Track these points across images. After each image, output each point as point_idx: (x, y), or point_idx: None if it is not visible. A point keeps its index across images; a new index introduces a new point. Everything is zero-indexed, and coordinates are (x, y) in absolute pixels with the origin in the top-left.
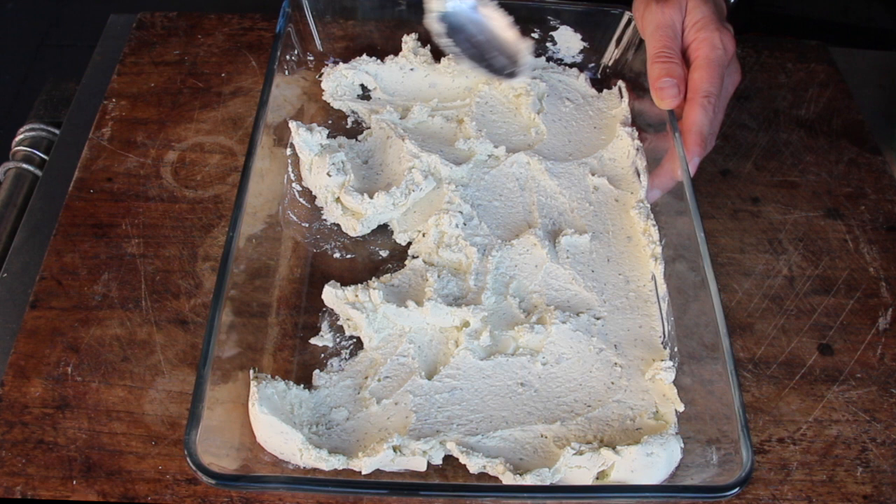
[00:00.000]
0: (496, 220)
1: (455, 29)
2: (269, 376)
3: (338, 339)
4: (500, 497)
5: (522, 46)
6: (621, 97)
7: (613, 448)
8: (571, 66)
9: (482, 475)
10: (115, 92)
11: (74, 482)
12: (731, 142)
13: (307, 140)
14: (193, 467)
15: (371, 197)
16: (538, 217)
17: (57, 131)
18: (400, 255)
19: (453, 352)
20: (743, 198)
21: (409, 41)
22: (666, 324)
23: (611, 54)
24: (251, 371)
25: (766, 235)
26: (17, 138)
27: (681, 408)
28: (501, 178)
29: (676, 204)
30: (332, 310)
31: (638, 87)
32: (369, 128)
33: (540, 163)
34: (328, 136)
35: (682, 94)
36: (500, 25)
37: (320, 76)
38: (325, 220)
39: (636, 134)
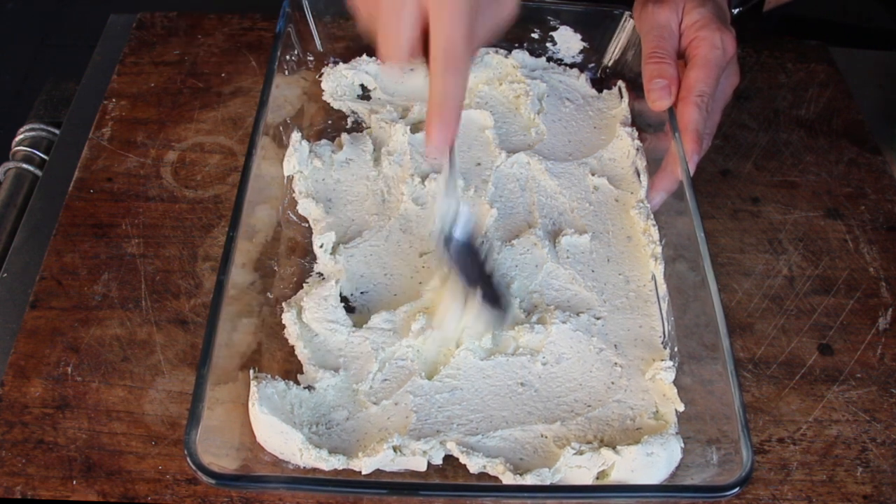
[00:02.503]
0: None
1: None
2: (269, 376)
3: None
4: (500, 497)
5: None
6: (621, 97)
7: (613, 448)
8: (571, 66)
9: (482, 475)
10: (115, 92)
11: (74, 482)
12: (731, 142)
13: (300, 157)
14: (193, 467)
15: None
16: (538, 217)
17: (57, 131)
18: None
19: (453, 352)
20: (743, 198)
21: None
22: (666, 324)
23: (611, 54)
24: (251, 371)
25: (766, 235)
26: (17, 138)
27: (681, 408)
28: (502, 178)
29: (676, 204)
30: None
31: (638, 88)
32: (369, 128)
33: (540, 163)
34: (327, 138)
35: (673, 95)
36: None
37: (320, 76)
38: None
39: (636, 134)
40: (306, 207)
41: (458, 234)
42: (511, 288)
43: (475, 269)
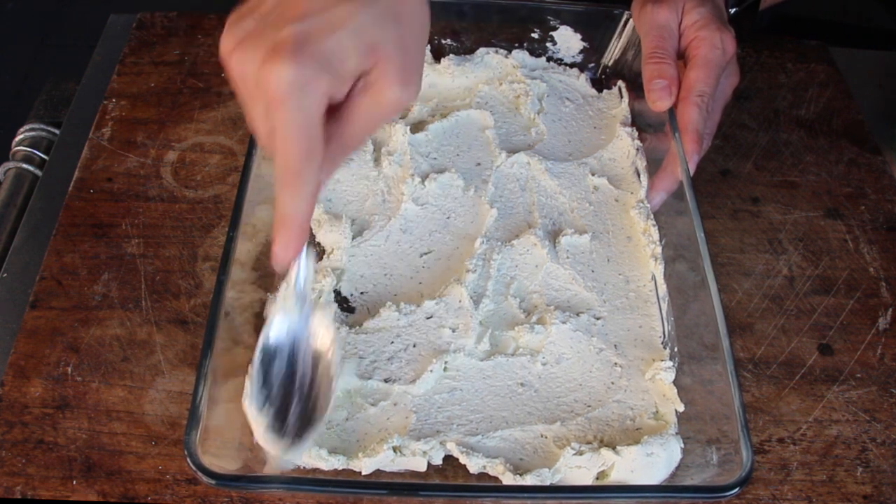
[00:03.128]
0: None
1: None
2: None
3: None
4: (500, 497)
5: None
6: (621, 97)
7: (613, 448)
8: (571, 66)
9: (482, 475)
10: (115, 92)
11: (74, 482)
12: (731, 142)
13: None
14: (193, 467)
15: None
16: (538, 217)
17: (57, 131)
18: None
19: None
20: (743, 198)
21: None
22: (666, 324)
23: (611, 54)
24: (250, 367)
25: (766, 235)
26: (17, 138)
27: (681, 408)
28: (502, 178)
29: (676, 204)
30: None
31: (638, 88)
32: None
33: (540, 163)
34: None
35: (674, 95)
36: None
37: None
38: None
39: (636, 134)
40: None
41: (272, 342)
42: (511, 288)
43: (282, 387)
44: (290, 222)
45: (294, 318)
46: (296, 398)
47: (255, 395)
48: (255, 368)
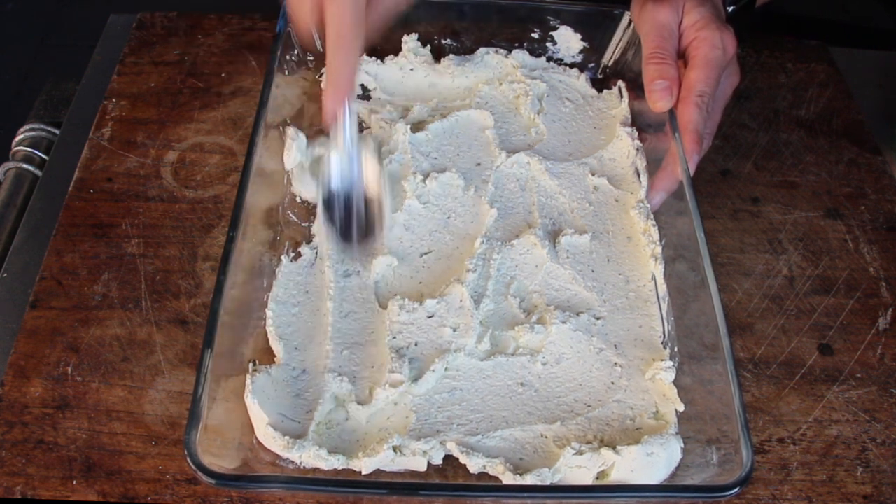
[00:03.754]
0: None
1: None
2: (266, 367)
3: None
4: (500, 497)
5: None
6: (621, 97)
7: (613, 448)
8: (571, 66)
9: (482, 475)
10: (115, 92)
11: (74, 482)
12: (731, 142)
13: (299, 146)
14: (193, 467)
15: None
16: (538, 217)
17: (57, 131)
18: None
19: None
20: (743, 198)
21: (409, 41)
22: (666, 324)
23: (611, 54)
24: (250, 365)
25: (766, 235)
26: (17, 138)
27: (681, 408)
28: (502, 178)
29: (676, 204)
30: None
31: (638, 88)
32: (369, 128)
33: (540, 163)
34: (327, 138)
35: (675, 96)
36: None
37: (320, 76)
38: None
39: (636, 134)
40: (307, 187)
41: (334, 184)
42: (511, 288)
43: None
44: (340, 75)
45: (346, 164)
46: (356, 233)
47: (327, 229)
48: (320, 213)
